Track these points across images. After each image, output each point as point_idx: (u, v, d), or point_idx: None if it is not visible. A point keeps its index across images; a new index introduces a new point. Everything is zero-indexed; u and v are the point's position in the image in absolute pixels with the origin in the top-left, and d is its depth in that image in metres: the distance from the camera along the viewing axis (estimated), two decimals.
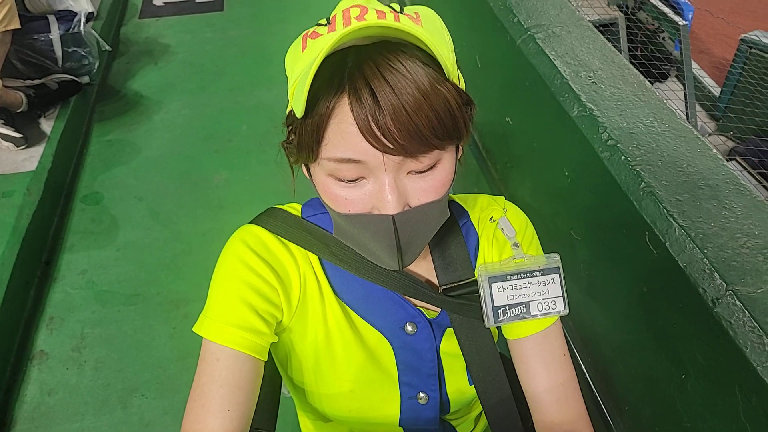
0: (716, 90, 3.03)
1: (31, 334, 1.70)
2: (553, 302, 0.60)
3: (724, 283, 0.73)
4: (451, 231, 0.67)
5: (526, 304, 0.60)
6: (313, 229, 0.64)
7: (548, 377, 0.66)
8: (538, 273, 0.60)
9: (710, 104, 2.99)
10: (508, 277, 0.59)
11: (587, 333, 1.10)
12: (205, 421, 0.56)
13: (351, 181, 0.51)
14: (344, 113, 0.47)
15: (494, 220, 0.67)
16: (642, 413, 0.93)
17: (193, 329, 0.61)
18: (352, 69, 0.47)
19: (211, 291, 0.62)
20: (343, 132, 0.48)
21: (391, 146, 0.47)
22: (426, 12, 0.53)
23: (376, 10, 0.49)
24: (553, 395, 0.65)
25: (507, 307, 0.59)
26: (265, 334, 0.60)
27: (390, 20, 0.47)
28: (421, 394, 0.69)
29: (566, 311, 0.60)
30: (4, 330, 1.60)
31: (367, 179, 0.51)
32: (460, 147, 0.57)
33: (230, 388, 0.57)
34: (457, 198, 0.72)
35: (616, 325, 0.99)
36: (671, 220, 0.80)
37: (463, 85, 0.54)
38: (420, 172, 0.51)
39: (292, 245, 0.64)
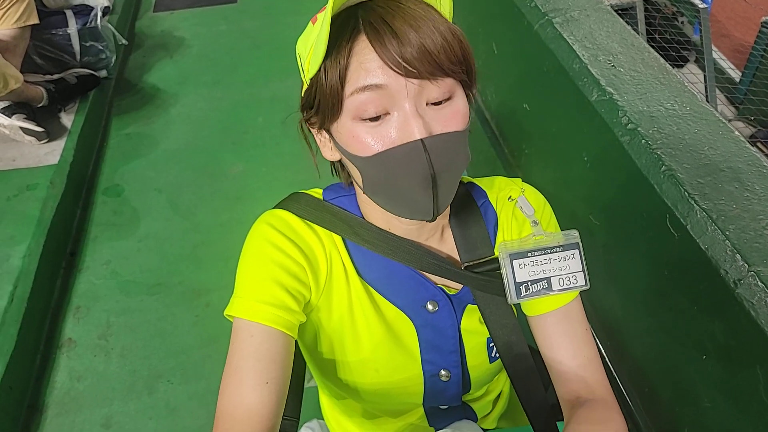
0: (736, 74, 2.97)
1: (58, 323, 1.75)
2: (574, 277, 0.61)
3: (746, 264, 0.73)
4: (470, 211, 0.69)
5: (548, 279, 0.61)
6: (335, 210, 0.66)
7: (571, 351, 0.67)
8: (558, 249, 0.61)
9: (730, 89, 2.93)
10: (529, 254, 0.61)
11: (607, 316, 1.10)
12: (242, 395, 0.56)
13: (375, 119, 0.53)
14: (364, 48, 0.51)
15: (513, 199, 0.68)
16: (662, 394, 0.94)
17: (225, 313, 0.62)
18: (363, 12, 0.52)
19: (239, 274, 0.63)
20: (364, 64, 0.51)
21: (411, 68, 0.50)
22: None
23: None
24: (576, 369, 0.67)
25: (529, 283, 0.61)
26: (296, 312, 0.61)
27: None
28: (443, 372, 0.70)
29: (587, 286, 0.61)
30: (33, 319, 1.64)
31: (390, 113, 0.53)
32: (471, 94, 0.59)
33: (266, 362, 0.57)
34: (475, 180, 0.74)
35: (635, 308, 1.00)
36: (692, 202, 0.81)
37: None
38: (437, 104, 0.54)
39: (316, 227, 0.65)
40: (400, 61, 0.50)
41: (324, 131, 0.59)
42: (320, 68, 0.53)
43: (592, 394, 0.66)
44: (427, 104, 0.53)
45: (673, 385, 0.90)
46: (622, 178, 0.97)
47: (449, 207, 0.66)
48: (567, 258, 0.61)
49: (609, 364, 1.08)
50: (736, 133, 0.88)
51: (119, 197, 2.18)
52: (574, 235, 0.62)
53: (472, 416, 0.81)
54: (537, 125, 1.33)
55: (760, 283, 0.71)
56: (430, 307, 0.67)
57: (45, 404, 1.55)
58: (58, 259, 1.88)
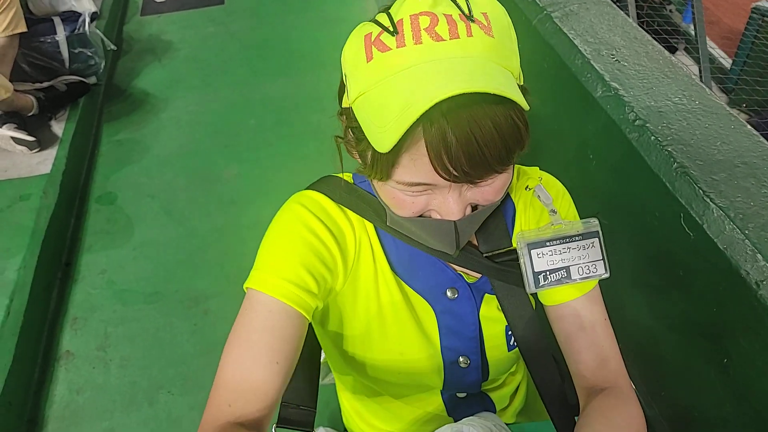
0: (727, 62, 2.97)
1: (56, 334, 1.71)
2: (594, 266, 0.60)
3: None
4: None
5: (567, 268, 0.60)
6: (366, 196, 0.65)
7: (589, 341, 0.67)
8: (577, 238, 0.60)
9: (721, 77, 2.93)
10: (547, 243, 0.60)
11: (618, 317, 1.08)
12: (251, 370, 0.56)
13: (416, 187, 0.53)
14: (418, 143, 0.48)
15: (530, 189, 0.67)
16: (680, 397, 0.92)
17: (245, 285, 0.60)
18: (430, 112, 0.47)
19: (263, 248, 0.62)
20: (416, 161, 0.49)
21: (460, 176, 0.48)
22: (492, 9, 0.52)
23: (446, 15, 0.48)
24: (593, 358, 0.66)
25: (547, 273, 0.60)
26: (316, 296, 0.60)
27: (462, 34, 0.48)
28: (462, 358, 0.70)
29: (607, 274, 0.60)
30: (30, 332, 1.61)
31: (433, 191, 0.54)
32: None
33: (281, 341, 0.57)
34: None
35: (650, 309, 0.98)
36: (708, 200, 0.79)
37: (521, 80, 0.54)
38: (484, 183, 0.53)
39: (348, 210, 0.65)
40: (451, 170, 0.48)
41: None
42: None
43: (610, 383, 0.66)
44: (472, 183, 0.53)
45: (691, 388, 0.89)
46: (631, 176, 0.95)
47: None
48: (586, 247, 0.60)
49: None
50: (749, 127, 0.87)
51: (113, 205, 2.14)
52: (594, 224, 0.61)
53: (491, 407, 0.81)
54: (538, 123, 1.31)
55: None
56: (449, 293, 0.67)
57: (45, 419, 1.52)
58: (53, 270, 1.84)
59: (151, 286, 1.85)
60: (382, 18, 0.51)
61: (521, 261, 0.61)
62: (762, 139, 0.84)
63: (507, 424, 0.83)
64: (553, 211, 0.63)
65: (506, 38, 0.51)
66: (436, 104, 0.44)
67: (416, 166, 0.49)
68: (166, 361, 1.64)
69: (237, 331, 0.58)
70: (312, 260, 0.60)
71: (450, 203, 0.53)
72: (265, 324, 0.57)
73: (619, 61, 1.04)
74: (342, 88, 0.56)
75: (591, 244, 0.60)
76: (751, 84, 2.62)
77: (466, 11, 0.49)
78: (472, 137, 0.46)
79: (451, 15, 0.48)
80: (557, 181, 0.71)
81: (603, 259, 0.60)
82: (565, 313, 0.68)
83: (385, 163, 0.50)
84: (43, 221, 1.85)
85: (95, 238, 2.01)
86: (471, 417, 0.71)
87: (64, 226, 2.00)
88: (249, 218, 2.03)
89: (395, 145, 0.46)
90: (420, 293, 0.67)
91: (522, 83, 0.53)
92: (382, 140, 0.47)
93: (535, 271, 0.60)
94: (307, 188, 0.67)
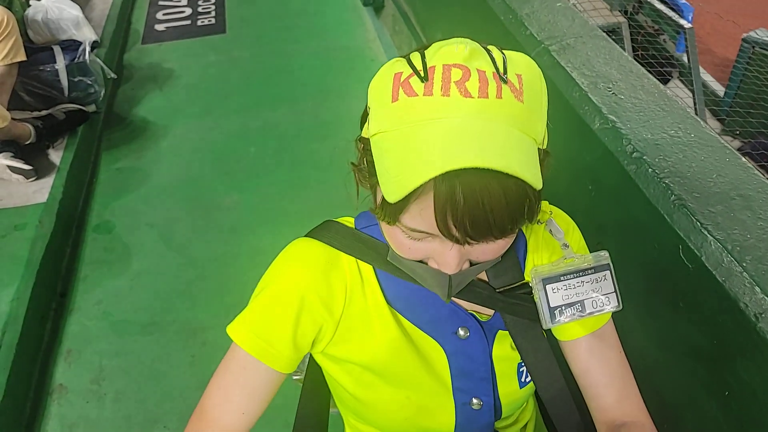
0: (720, 89, 3.02)
1: (49, 368, 1.68)
2: (607, 298, 0.60)
3: (766, 297, 0.71)
4: None
5: (581, 302, 0.60)
6: (366, 239, 0.66)
7: (606, 375, 0.66)
8: (590, 271, 0.61)
9: (715, 103, 2.98)
10: (562, 278, 0.60)
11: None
12: (220, 413, 0.64)
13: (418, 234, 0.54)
14: (428, 194, 0.48)
15: (541, 223, 0.67)
16: (683, 430, 0.91)
17: (228, 330, 0.64)
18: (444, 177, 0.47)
19: (255, 295, 0.66)
20: (423, 212, 0.49)
21: (461, 237, 0.49)
22: (528, 72, 0.51)
23: (479, 72, 0.48)
24: (611, 393, 0.66)
25: (563, 307, 0.60)
26: (299, 350, 0.64)
27: (492, 94, 0.47)
28: (475, 400, 0.69)
29: (620, 307, 0.61)
30: (23, 365, 1.58)
31: (433, 240, 0.54)
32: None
33: (250, 397, 0.63)
34: None
35: (650, 341, 0.97)
36: (706, 233, 0.79)
37: (545, 143, 0.55)
38: None
39: (344, 256, 0.66)
40: (455, 233, 0.49)
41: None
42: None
43: (629, 417, 0.66)
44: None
45: (694, 420, 0.87)
46: (630, 208, 0.95)
47: None
48: (599, 280, 0.61)
49: None
50: (743, 159, 0.87)
51: (110, 234, 2.13)
52: (605, 256, 0.62)
53: None
54: None
55: None
56: (461, 332, 0.66)
57: None
58: (47, 302, 1.82)
59: (148, 316, 1.82)
60: (416, 59, 0.50)
61: (536, 296, 0.61)
62: (757, 171, 0.85)
63: None
64: (566, 245, 0.63)
65: (536, 103, 0.51)
66: (452, 180, 0.45)
67: (422, 216, 0.50)
68: (162, 395, 1.61)
69: (219, 372, 0.65)
70: (294, 320, 0.63)
71: (448, 257, 0.54)
72: (237, 379, 0.64)
73: (616, 94, 1.05)
74: (365, 117, 0.57)
75: (603, 277, 0.61)
76: (744, 110, 2.66)
77: (501, 70, 0.49)
78: (480, 203, 0.46)
79: (484, 72, 0.48)
80: (566, 214, 0.72)
81: (615, 291, 0.61)
82: (579, 348, 0.68)
83: (393, 208, 0.51)
84: (38, 251, 1.83)
85: (91, 267, 2.00)
86: None
87: (60, 255, 1.98)
88: (249, 247, 2.02)
89: (413, 197, 0.47)
90: (430, 334, 0.66)
91: (545, 146, 0.54)
92: (392, 190, 0.47)
93: (551, 306, 0.60)
94: (306, 235, 0.68)
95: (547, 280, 0.60)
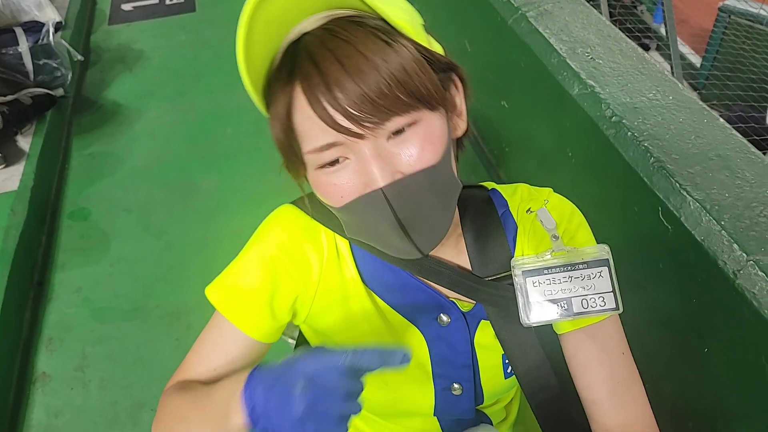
0: (697, 62, 3.04)
1: (30, 357, 1.65)
2: (601, 298, 0.53)
3: (744, 254, 0.72)
4: (489, 221, 0.65)
5: (568, 300, 0.54)
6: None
7: (601, 375, 0.60)
8: (581, 266, 0.54)
9: (692, 74, 3.00)
10: (545, 271, 0.54)
11: None
12: (197, 372, 0.64)
13: (334, 162, 0.50)
14: (303, 104, 0.46)
15: (532, 212, 0.63)
16: (662, 390, 0.93)
17: (206, 292, 0.64)
18: (298, 50, 0.47)
19: (236, 261, 0.65)
20: (307, 121, 0.47)
21: (355, 125, 0.46)
22: None
23: None
24: (608, 396, 0.60)
25: (545, 304, 0.54)
26: (277, 320, 0.63)
27: None
28: (455, 385, 0.68)
29: (619, 309, 0.54)
30: (3, 356, 1.55)
31: (350, 158, 0.50)
32: (453, 118, 0.56)
33: (225, 361, 0.63)
34: (499, 187, 0.70)
35: (629, 303, 0.98)
36: (685, 193, 0.80)
37: (438, 49, 0.53)
38: (399, 132, 0.49)
39: (324, 229, 0.64)
40: (340, 119, 0.46)
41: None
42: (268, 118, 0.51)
43: (626, 424, 0.60)
44: (388, 138, 0.49)
45: (673, 380, 0.89)
46: (609, 173, 0.96)
47: (465, 216, 0.64)
48: (592, 276, 0.54)
49: None
50: (721, 120, 0.88)
51: (86, 220, 2.09)
52: (605, 251, 0.55)
53: (487, 421, 0.78)
54: (517, 122, 1.32)
55: (759, 272, 0.70)
56: (444, 318, 0.64)
57: None
58: (25, 290, 1.78)
59: (130, 302, 1.80)
60: None
61: (516, 289, 0.56)
62: (734, 132, 0.86)
63: None
64: (555, 237, 0.57)
65: None
66: (307, 53, 0.45)
67: (310, 126, 0.48)
68: (149, 379, 1.59)
69: (202, 337, 0.65)
70: (272, 282, 0.62)
71: (368, 162, 0.48)
72: (217, 349, 0.64)
73: (594, 59, 1.05)
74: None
75: (598, 274, 0.54)
76: (721, 80, 2.69)
77: None
78: (349, 74, 0.44)
79: None
80: (568, 203, 0.66)
81: (613, 291, 0.54)
82: (573, 343, 0.61)
83: (286, 143, 0.50)
84: (12, 240, 1.78)
85: (69, 255, 1.95)
86: (469, 430, 0.70)
87: (35, 244, 1.93)
88: (230, 229, 1.98)
89: (281, 106, 0.47)
90: (410, 319, 0.64)
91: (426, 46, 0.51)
92: (255, 101, 0.48)
93: (530, 301, 0.54)
94: (292, 202, 0.67)
95: (528, 273, 0.55)
